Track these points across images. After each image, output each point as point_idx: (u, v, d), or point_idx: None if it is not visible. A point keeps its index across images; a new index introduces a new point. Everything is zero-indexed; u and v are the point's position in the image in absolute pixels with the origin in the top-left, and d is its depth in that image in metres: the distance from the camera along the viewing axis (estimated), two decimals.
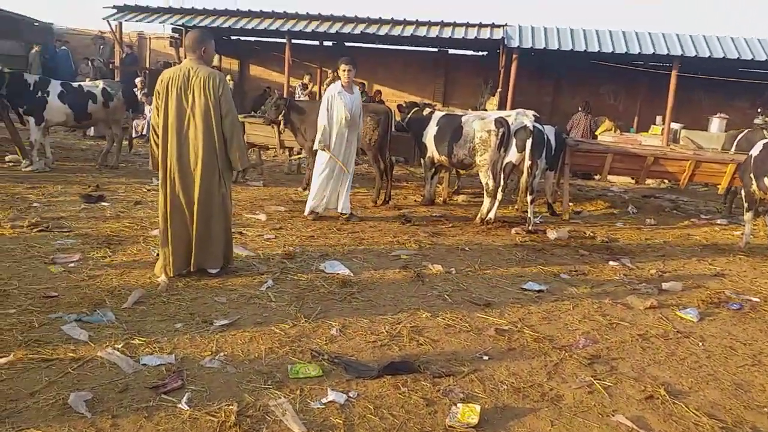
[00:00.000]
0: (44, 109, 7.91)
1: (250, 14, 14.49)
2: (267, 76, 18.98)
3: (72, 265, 4.59)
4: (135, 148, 10.46)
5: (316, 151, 6.58)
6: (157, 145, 4.40)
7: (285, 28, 13.52)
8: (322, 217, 6.69)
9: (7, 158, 8.92)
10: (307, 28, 13.74)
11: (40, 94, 7.86)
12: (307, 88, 15.06)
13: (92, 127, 11.30)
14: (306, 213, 6.71)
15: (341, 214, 6.70)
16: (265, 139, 8.79)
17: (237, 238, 5.43)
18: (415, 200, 8.30)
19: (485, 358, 3.49)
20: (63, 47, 17.31)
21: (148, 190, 7.66)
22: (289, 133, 8.04)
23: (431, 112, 7.76)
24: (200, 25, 13.54)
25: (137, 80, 13.68)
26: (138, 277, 4.46)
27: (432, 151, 7.41)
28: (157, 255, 4.92)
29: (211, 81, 4.26)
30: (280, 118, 7.55)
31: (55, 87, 8.03)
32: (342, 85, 6.45)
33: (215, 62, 18.81)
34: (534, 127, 6.73)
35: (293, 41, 14.29)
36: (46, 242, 5.07)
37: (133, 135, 10.76)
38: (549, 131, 7.36)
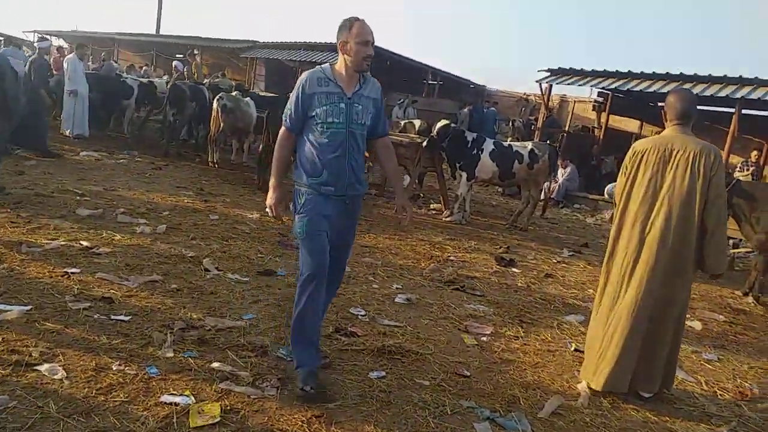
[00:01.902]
0: (477, 165, 8.18)
1: (694, 79, 12.94)
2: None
3: (484, 339, 4.20)
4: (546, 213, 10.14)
5: None
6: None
7: (737, 95, 11.49)
8: None
9: (432, 206, 9.68)
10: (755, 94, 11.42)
11: (475, 151, 8.17)
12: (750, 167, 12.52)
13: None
14: None
15: None
16: None
17: None
18: None
19: None
20: (492, 107, 18.69)
21: (558, 262, 7.08)
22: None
23: None
24: (635, 89, 12.65)
25: None
26: (554, 376, 3.76)
27: None
28: (574, 350, 4.18)
29: (703, 158, 3.30)
30: None
31: (488, 145, 8.26)
32: None
33: (635, 128, 17.76)
34: None
35: (743, 111, 12.08)
36: (460, 303, 4.87)
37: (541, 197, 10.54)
38: None
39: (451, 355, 3.83)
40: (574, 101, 18.08)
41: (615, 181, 11.90)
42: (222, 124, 9.95)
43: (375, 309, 4.44)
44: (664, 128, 3.57)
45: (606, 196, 12.93)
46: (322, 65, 3.15)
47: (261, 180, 8.92)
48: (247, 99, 10.70)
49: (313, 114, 3.02)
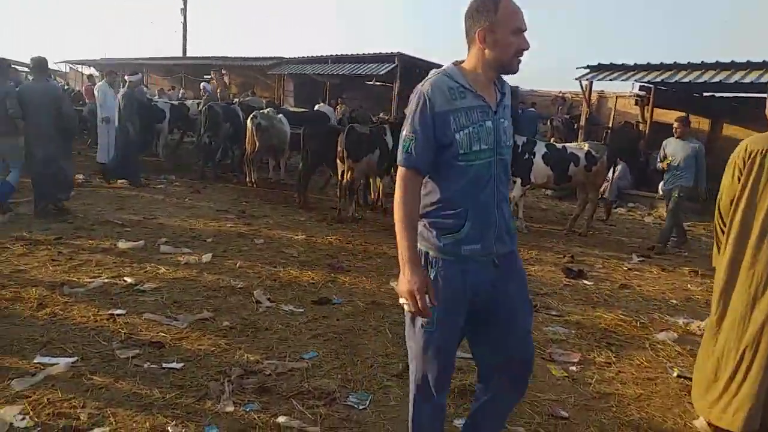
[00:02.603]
0: (530, 170, 7.70)
1: (732, 66, 12.21)
2: (745, 137, 15.97)
3: (573, 369, 3.72)
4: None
5: None
6: (723, 232, 3.13)
7: None
8: None
9: None
10: None
11: (527, 155, 7.69)
12: None
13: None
14: None
15: None
16: None
17: None
18: None
19: None
20: (531, 108, 18.14)
21: (629, 269, 6.53)
22: None
23: None
24: (683, 80, 11.98)
25: None
26: (663, 411, 3.26)
27: None
28: (678, 376, 3.68)
29: None
30: None
31: (540, 148, 7.78)
32: None
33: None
34: None
35: None
36: (537, 326, 4.37)
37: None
38: None
39: (541, 391, 3.36)
40: (616, 97, 17.34)
41: (664, 175, 11.18)
42: (257, 143, 9.70)
43: None
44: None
45: (661, 192, 12.25)
46: (445, 67, 2.10)
47: (302, 199, 8.61)
48: (280, 116, 10.44)
49: (450, 142, 2.01)
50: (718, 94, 15.79)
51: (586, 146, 7.98)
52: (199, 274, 4.95)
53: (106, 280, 4.56)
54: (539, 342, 4.09)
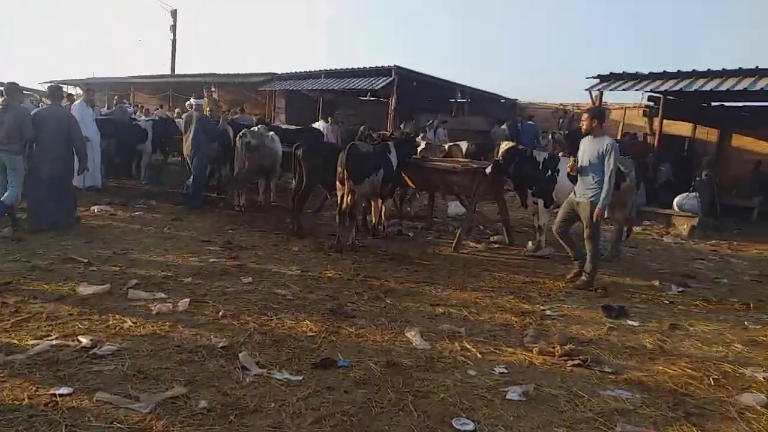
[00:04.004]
0: (554, 189, 6.88)
1: (740, 73, 11.54)
2: (756, 148, 15.34)
3: None
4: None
5: None
6: None
7: None
8: None
9: (492, 238, 8.38)
10: None
11: (550, 172, 6.89)
12: None
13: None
14: None
15: None
16: None
17: None
18: None
19: None
20: (530, 122, 17.42)
21: (671, 303, 5.71)
22: None
23: None
24: (701, 89, 11.27)
25: None
26: None
27: None
28: None
29: None
30: None
31: (564, 165, 6.96)
32: None
33: (687, 132, 16.27)
34: None
35: None
36: (593, 390, 3.53)
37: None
38: None
39: None
40: (624, 108, 16.65)
41: (675, 190, 10.38)
42: (247, 163, 8.87)
43: (485, 415, 3.13)
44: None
45: (676, 208, 11.49)
46: None
47: (295, 225, 7.76)
48: (272, 134, 9.62)
49: None
50: (727, 104, 15.16)
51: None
52: (172, 329, 4.06)
53: (54, 342, 3.66)
54: (601, 413, 3.24)
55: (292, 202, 7.92)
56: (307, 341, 3.99)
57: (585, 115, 5.97)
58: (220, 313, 4.39)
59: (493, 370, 3.72)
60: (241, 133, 8.92)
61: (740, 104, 14.97)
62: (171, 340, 3.88)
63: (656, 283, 6.41)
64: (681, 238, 10.18)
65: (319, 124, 12.68)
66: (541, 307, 5.21)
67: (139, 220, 8.00)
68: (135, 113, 16.33)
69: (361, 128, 15.07)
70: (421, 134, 13.91)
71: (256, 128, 9.99)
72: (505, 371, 3.71)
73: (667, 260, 8.05)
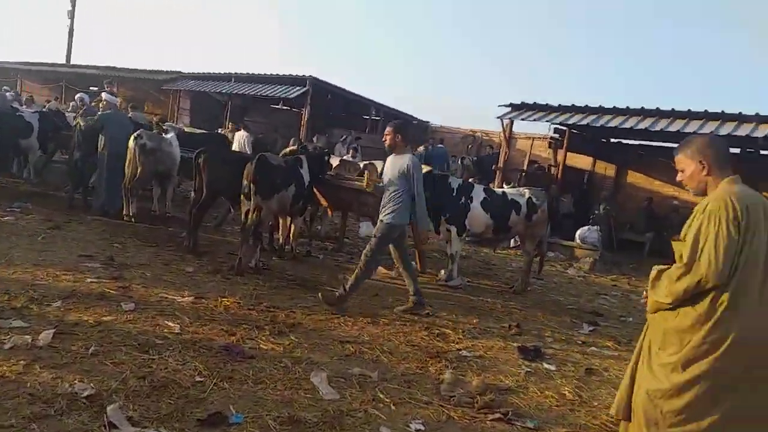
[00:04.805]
0: (466, 217, 6.68)
1: (642, 113, 12.20)
2: (647, 185, 16.25)
3: None
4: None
5: None
6: None
7: (688, 130, 10.75)
8: None
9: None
10: (720, 130, 10.72)
11: (463, 200, 6.68)
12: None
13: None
14: None
15: None
16: None
17: None
18: None
19: None
20: (440, 145, 17.49)
21: (583, 343, 5.62)
22: None
23: None
24: (608, 125, 11.71)
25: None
26: None
27: None
28: None
29: None
30: None
31: (478, 193, 6.81)
32: None
33: (587, 165, 17.00)
34: None
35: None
36: None
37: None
38: None
39: None
40: (532, 139, 17.12)
41: (575, 222, 10.64)
42: (141, 168, 8.02)
43: None
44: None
45: (578, 241, 11.82)
46: None
47: (191, 240, 7.04)
48: (170, 136, 8.80)
49: None
50: (625, 141, 16.00)
51: (527, 193, 7.10)
52: (27, 369, 3.33)
53: None
54: None
55: (188, 215, 7.20)
56: (194, 389, 3.40)
57: (388, 129, 5.44)
58: (90, 350, 3.68)
59: (409, 426, 3.32)
60: (136, 134, 8.07)
61: (636, 143, 15.87)
62: (23, 385, 3.15)
63: (567, 319, 6.35)
64: (584, 272, 10.43)
65: (240, 134, 11.68)
66: (456, 346, 4.90)
67: (8, 227, 6.93)
68: (17, 102, 14.59)
69: (275, 137, 14.38)
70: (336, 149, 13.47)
71: (154, 130, 9.14)
72: (422, 429, 3.32)
73: (573, 294, 8.12)
